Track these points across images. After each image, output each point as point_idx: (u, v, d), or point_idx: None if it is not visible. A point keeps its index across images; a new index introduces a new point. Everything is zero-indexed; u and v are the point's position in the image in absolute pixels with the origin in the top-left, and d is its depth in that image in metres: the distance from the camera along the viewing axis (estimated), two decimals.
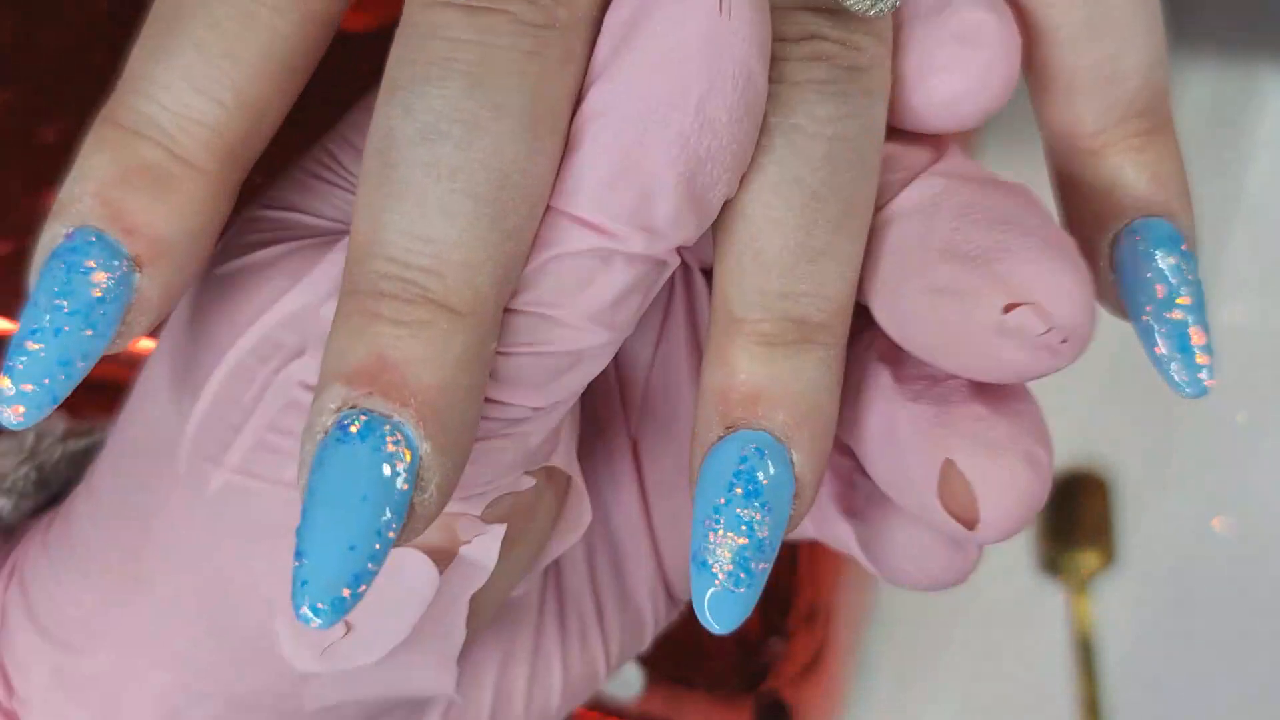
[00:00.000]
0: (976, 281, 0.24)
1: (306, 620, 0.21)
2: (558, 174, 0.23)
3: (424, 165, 0.21)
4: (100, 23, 0.40)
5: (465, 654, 0.29)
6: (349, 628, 0.26)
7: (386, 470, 0.21)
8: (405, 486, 0.21)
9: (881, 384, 0.27)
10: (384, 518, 0.21)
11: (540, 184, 0.22)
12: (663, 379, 0.31)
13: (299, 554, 0.21)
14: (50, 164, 0.39)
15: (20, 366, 0.22)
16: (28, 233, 0.38)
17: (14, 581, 0.28)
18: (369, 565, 0.21)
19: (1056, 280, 0.24)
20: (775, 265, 0.24)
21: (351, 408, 0.21)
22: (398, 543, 0.21)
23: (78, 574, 0.27)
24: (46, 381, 0.22)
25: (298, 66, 0.24)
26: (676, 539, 0.31)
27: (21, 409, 0.22)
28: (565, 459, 0.28)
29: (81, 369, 0.23)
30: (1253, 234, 0.67)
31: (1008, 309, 0.24)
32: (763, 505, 0.24)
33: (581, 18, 0.22)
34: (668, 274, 0.24)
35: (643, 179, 0.23)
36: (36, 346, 0.22)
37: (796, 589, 0.48)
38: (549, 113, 0.22)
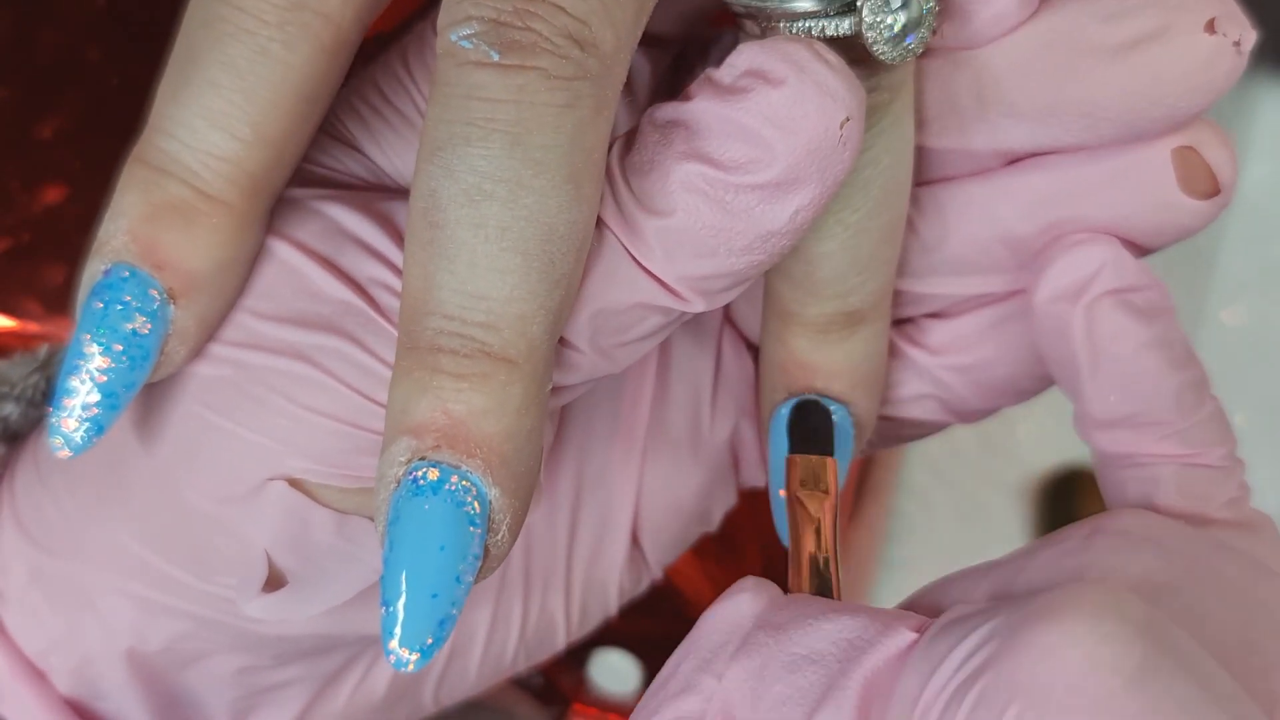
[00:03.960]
0: (1167, 18, 0.26)
1: (400, 665, 0.22)
2: (639, 225, 0.24)
3: (472, 225, 0.22)
4: (97, 20, 0.40)
5: None
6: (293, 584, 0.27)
7: (460, 520, 0.22)
8: (479, 532, 0.22)
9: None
10: (461, 565, 0.22)
11: (584, 230, 0.23)
12: (677, 362, 0.32)
13: (385, 602, 0.22)
14: (47, 161, 0.39)
15: (66, 401, 0.24)
16: (25, 230, 0.38)
17: (5, 484, 0.29)
18: (451, 610, 0.22)
19: None
20: (826, 283, 0.27)
21: (421, 459, 0.22)
22: (475, 581, 0.23)
23: (62, 480, 0.28)
24: (94, 413, 0.24)
25: (315, 95, 0.24)
26: (659, 518, 0.32)
27: (69, 441, 0.24)
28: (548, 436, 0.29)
29: (125, 398, 0.24)
30: (1252, 235, 0.67)
31: (1209, 26, 0.25)
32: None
33: (611, 64, 0.23)
34: (679, 324, 0.26)
35: (722, 262, 0.24)
36: (79, 381, 0.24)
37: None
38: (587, 162, 0.23)
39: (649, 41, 0.28)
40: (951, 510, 0.61)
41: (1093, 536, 0.25)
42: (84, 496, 0.28)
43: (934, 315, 0.30)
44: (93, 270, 0.24)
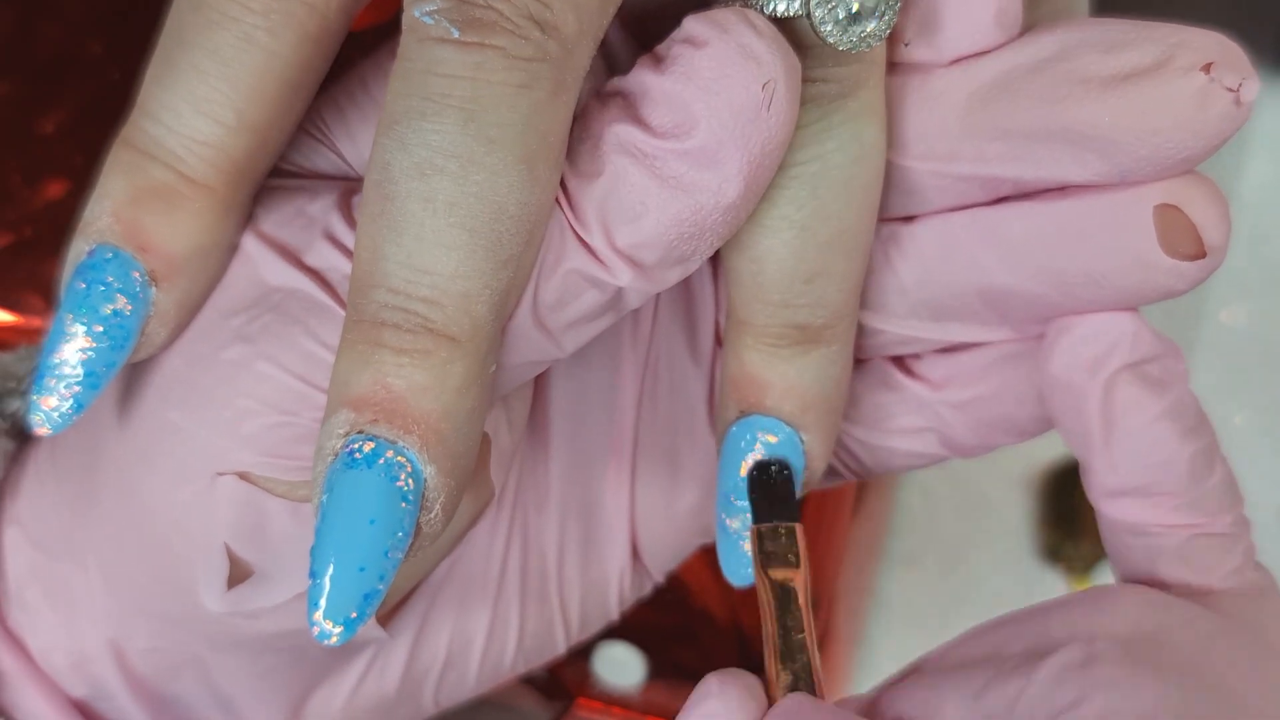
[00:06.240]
0: (1167, 53, 0.24)
1: (323, 637, 0.22)
2: (570, 185, 0.24)
3: (421, 199, 0.22)
4: (99, 15, 0.40)
5: (424, 603, 0.30)
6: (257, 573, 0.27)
7: (393, 495, 0.22)
8: (411, 509, 0.22)
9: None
10: (391, 539, 0.22)
11: (537, 213, 0.23)
12: (667, 377, 0.31)
13: (313, 574, 0.22)
14: (49, 156, 0.39)
15: (47, 379, 0.24)
16: (27, 225, 0.38)
17: (11, 481, 0.29)
18: (378, 585, 0.22)
19: (1218, 39, 0.25)
20: (772, 285, 0.27)
21: (359, 433, 0.22)
22: (406, 559, 0.22)
23: (53, 480, 0.28)
24: (75, 391, 0.24)
25: (299, 84, 0.24)
26: (656, 533, 0.32)
27: (48, 419, 0.24)
28: (492, 425, 0.28)
29: (105, 378, 0.24)
30: (1251, 235, 0.67)
31: (1207, 69, 0.24)
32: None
33: (572, 48, 0.23)
34: (625, 310, 0.25)
35: (651, 229, 0.24)
36: (61, 359, 0.24)
37: None
38: (543, 144, 0.23)
39: (643, 31, 0.28)
40: (954, 503, 0.61)
41: (1090, 666, 0.25)
42: (68, 494, 0.28)
43: (934, 350, 0.30)
44: (77, 250, 0.24)
